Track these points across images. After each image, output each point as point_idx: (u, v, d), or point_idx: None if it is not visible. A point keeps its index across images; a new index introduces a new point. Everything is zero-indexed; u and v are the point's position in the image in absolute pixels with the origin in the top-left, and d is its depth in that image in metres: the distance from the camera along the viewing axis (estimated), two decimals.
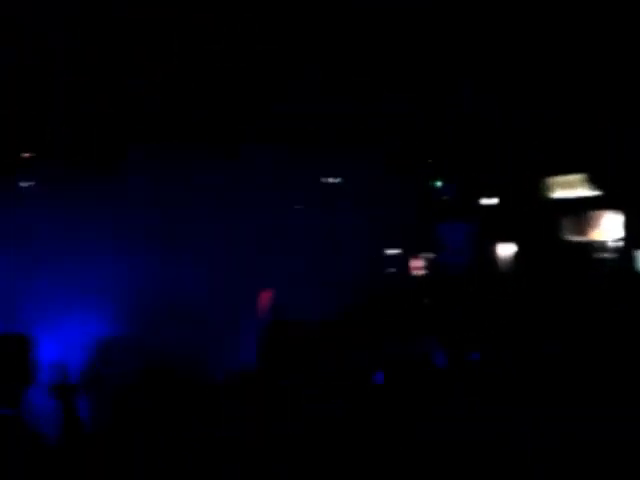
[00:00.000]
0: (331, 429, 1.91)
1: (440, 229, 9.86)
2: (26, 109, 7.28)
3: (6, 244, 6.79)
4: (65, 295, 6.45)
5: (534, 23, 7.77)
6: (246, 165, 7.60)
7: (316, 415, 1.89)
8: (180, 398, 3.76)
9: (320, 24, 7.76)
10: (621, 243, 10.11)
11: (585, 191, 10.17)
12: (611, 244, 10.17)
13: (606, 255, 10.18)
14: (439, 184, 10.25)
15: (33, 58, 7.05)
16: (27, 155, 7.85)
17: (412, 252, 9.36)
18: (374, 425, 2.44)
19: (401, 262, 9.47)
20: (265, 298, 6.37)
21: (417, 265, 9.68)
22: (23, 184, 7.44)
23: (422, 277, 9.33)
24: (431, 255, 9.36)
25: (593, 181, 9.95)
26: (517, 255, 10.09)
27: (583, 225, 10.42)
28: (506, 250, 10.20)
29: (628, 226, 10.01)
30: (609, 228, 10.26)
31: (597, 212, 10.30)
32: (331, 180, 9.98)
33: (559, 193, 10.40)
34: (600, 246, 10.23)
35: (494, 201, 10.28)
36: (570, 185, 10.28)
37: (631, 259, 9.73)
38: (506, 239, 10.19)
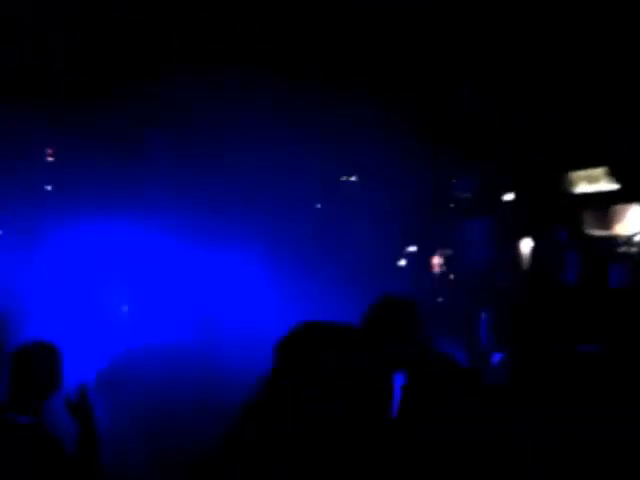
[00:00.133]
0: (332, 429, 1.90)
1: (460, 225, 9.80)
2: None
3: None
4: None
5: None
6: None
7: (316, 415, 1.88)
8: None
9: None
10: None
11: (608, 184, 10.03)
12: (637, 238, 10.01)
13: (632, 249, 10.02)
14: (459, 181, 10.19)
15: None
16: None
17: (431, 249, 9.32)
18: (375, 425, 2.43)
19: (420, 259, 9.44)
20: None
21: (437, 262, 9.63)
22: None
23: (440, 274, 9.28)
24: (450, 252, 9.31)
25: (616, 174, 9.81)
26: (537, 250, 9.98)
27: (607, 219, 10.28)
28: (527, 245, 10.10)
29: None
30: (633, 221, 10.10)
31: (621, 205, 10.14)
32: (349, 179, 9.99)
33: (581, 187, 10.27)
34: (625, 240, 10.07)
35: (513, 196, 10.18)
36: (593, 179, 10.14)
37: None
38: (527, 234, 10.08)
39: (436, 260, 9.30)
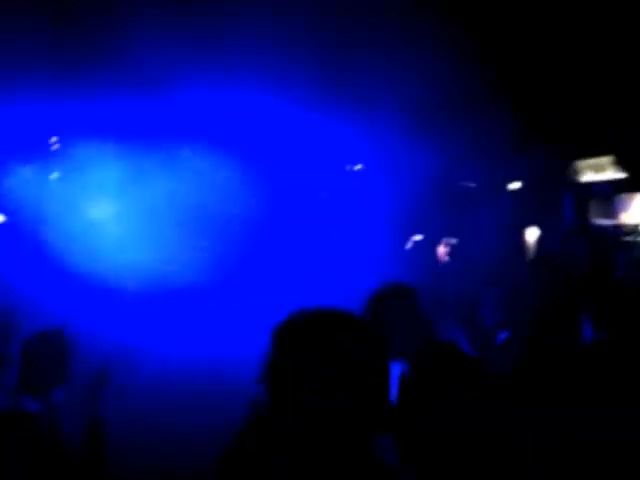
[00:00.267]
0: (335, 425, 1.88)
1: (466, 215, 9.78)
2: None
3: None
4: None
5: None
6: None
7: (320, 410, 1.85)
8: None
9: None
10: None
11: (614, 173, 9.98)
12: None
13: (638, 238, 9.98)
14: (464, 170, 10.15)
15: None
16: None
17: (437, 238, 9.30)
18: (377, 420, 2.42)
19: (427, 248, 9.42)
20: None
21: (443, 251, 9.61)
22: None
23: (448, 263, 9.26)
24: (455, 240, 9.28)
25: (622, 163, 9.76)
26: (543, 239, 9.96)
27: (613, 208, 10.24)
28: (533, 234, 10.08)
29: None
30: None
31: (627, 195, 10.10)
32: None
33: (588, 176, 10.23)
34: (631, 229, 10.03)
35: (520, 185, 10.15)
36: (599, 168, 10.09)
37: None
38: (533, 223, 10.06)
39: (442, 248, 9.28)
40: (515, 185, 10.08)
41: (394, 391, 3.08)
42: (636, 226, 9.97)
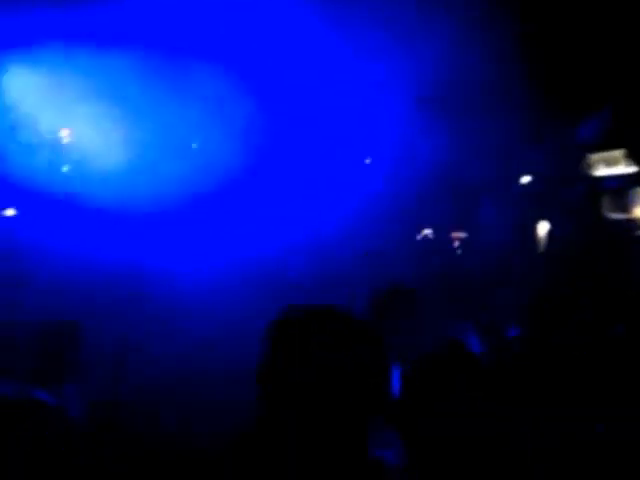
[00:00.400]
0: (333, 425, 1.89)
1: (477, 208, 9.74)
2: None
3: None
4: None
5: None
6: None
7: (317, 411, 1.86)
8: None
9: None
10: None
11: (627, 167, 9.92)
12: None
13: None
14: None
15: None
16: None
17: (447, 231, 9.29)
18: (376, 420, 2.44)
19: (437, 241, 9.42)
20: None
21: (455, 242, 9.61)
22: None
23: (459, 257, 9.25)
24: (465, 234, 9.27)
25: (635, 157, 9.69)
26: (555, 233, 9.91)
27: (626, 202, 10.17)
28: (544, 228, 10.04)
29: None
30: None
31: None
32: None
33: (600, 170, 10.16)
34: None
35: (531, 179, 10.09)
36: (612, 161, 10.02)
37: None
38: (544, 217, 10.01)
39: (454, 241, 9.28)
40: (526, 179, 10.04)
41: (395, 391, 3.10)
42: None
